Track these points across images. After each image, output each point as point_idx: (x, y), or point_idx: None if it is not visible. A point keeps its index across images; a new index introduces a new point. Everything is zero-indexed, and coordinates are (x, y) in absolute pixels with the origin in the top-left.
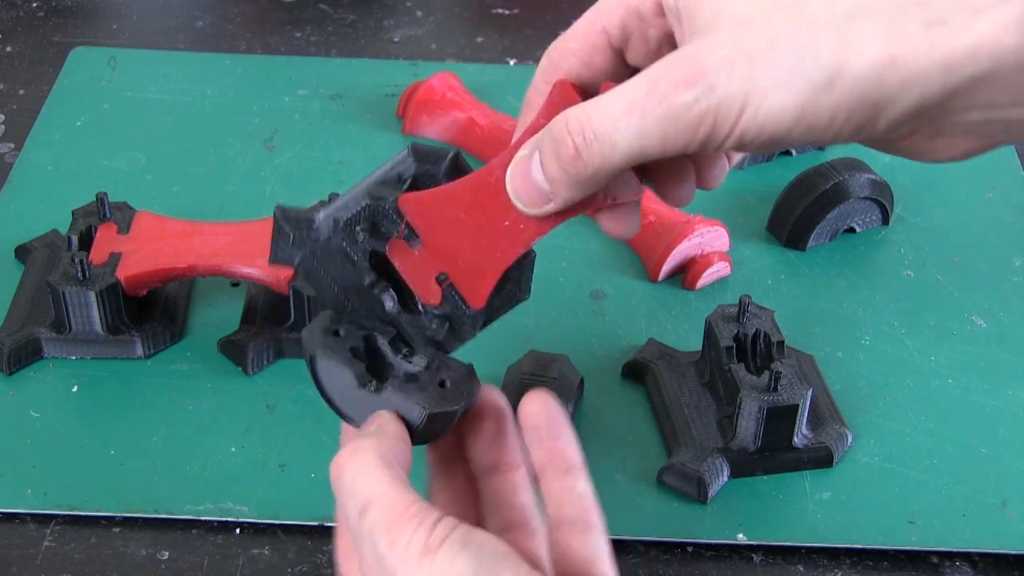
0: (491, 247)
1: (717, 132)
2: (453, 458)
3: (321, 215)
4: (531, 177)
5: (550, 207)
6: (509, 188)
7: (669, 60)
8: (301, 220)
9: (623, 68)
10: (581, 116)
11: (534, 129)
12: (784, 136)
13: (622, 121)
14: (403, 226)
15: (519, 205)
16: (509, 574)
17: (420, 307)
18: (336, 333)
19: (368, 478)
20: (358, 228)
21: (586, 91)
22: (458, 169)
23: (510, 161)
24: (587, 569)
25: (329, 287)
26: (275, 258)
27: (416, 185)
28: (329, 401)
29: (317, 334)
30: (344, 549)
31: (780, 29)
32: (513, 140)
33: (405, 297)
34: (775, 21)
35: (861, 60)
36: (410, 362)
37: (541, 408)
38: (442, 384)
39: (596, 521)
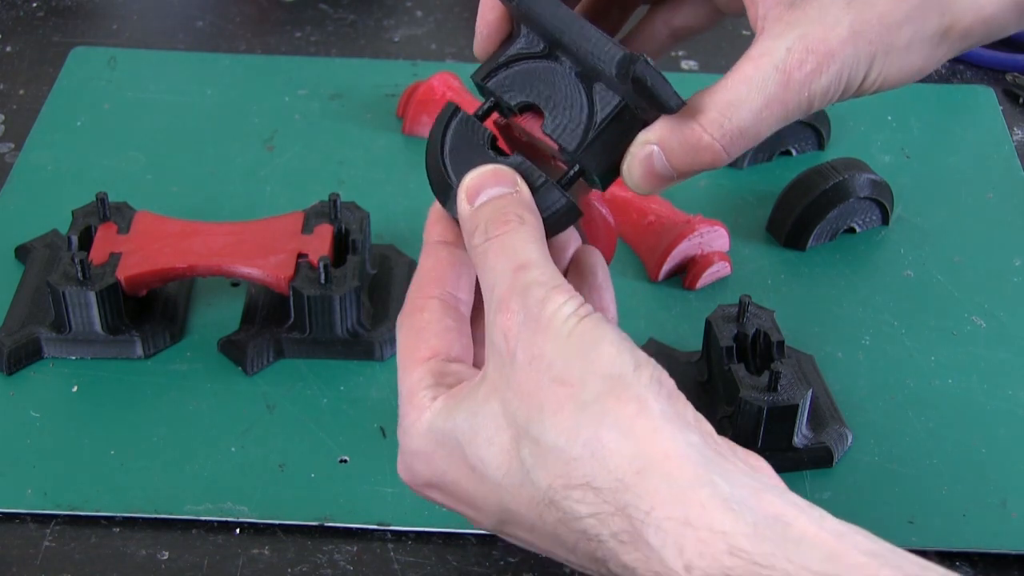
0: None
1: (842, 96)
2: None
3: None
4: (655, 170)
5: (672, 184)
6: (629, 182)
7: (791, 48)
8: None
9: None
10: (718, 118)
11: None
12: (893, 87)
13: (764, 113)
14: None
15: (639, 191)
16: (649, 371)
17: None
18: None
19: (532, 247)
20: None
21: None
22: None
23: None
24: None
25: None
26: None
27: None
28: (440, 154)
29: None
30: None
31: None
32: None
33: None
34: None
35: (965, 19)
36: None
37: (592, 261)
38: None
39: None
